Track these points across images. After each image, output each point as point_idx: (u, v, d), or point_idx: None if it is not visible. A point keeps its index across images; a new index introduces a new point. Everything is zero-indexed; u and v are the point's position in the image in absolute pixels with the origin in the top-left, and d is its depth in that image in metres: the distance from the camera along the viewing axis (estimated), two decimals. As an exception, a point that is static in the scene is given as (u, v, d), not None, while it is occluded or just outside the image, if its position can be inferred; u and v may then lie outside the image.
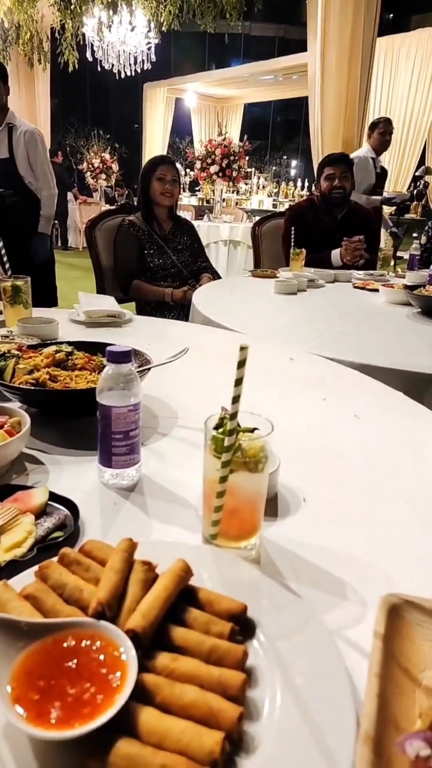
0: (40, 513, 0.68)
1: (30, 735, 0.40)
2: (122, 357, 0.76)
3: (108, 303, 1.81)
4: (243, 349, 0.58)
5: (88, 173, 10.16)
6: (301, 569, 0.65)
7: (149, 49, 6.46)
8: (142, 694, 0.43)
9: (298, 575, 0.63)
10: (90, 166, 10.06)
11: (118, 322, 1.72)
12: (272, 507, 0.76)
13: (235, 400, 0.59)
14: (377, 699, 0.45)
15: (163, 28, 6.34)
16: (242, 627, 0.52)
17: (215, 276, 2.99)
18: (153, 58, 6.38)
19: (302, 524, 0.74)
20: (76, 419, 0.98)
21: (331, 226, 3.20)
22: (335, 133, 4.92)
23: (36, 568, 0.55)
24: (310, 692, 0.46)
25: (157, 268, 2.83)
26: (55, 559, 0.56)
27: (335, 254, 3.15)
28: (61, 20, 5.88)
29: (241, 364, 0.58)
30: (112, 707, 0.40)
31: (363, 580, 0.64)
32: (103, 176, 10.09)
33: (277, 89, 10.19)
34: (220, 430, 0.63)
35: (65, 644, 0.45)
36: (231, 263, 6.89)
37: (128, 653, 0.44)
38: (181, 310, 2.74)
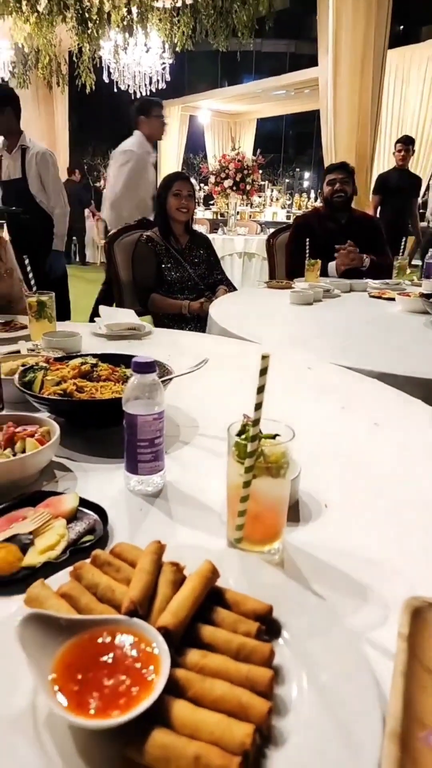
0: (71, 518, 0.70)
1: (71, 723, 0.42)
2: (147, 367, 0.79)
3: (128, 316, 1.86)
4: (265, 357, 0.60)
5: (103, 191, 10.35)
6: (324, 573, 0.66)
7: (164, 69, 6.62)
8: (174, 688, 0.45)
9: (321, 579, 0.65)
10: (107, 184, 10.26)
11: (138, 334, 1.76)
12: (294, 512, 0.78)
13: (258, 407, 0.62)
14: (402, 697, 0.46)
15: (177, 49, 6.49)
16: (268, 627, 0.54)
17: (231, 288, 3.03)
18: (167, 77, 6.53)
19: (324, 529, 0.75)
20: (102, 428, 1.01)
21: (336, 230, 3.26)
22: (348, 144, 4.96)
23: (70, 568, 0.57)
24: (337, 690, 0.48)
25: (174, 281, 2.88)
26: (87, 560, 0.58)
27: (331, 266, 3.19)
28: (78, 44, 6.05)
29: (263, 372, 0.61)
30: (147, 698, 0.42)
31: (385, 583, 0.65)
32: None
33: (289, 103, 10.32)
34: (243, 436, 0.65)
35: (101, 640, 0.47)
36: (246, 275, 6.94)
37: (161, 648, 0.46)
38: (197, 322, 2.78)
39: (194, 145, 12.79)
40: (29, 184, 3.48)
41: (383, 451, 1.01)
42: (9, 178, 3.64)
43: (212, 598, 0.55)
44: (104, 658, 0.45)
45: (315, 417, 1.15)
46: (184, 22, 6.07)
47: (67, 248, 10.34)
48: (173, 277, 2.87)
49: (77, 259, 10.35)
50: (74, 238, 10.24)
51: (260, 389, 0.61)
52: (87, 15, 5.58)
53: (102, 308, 1.91)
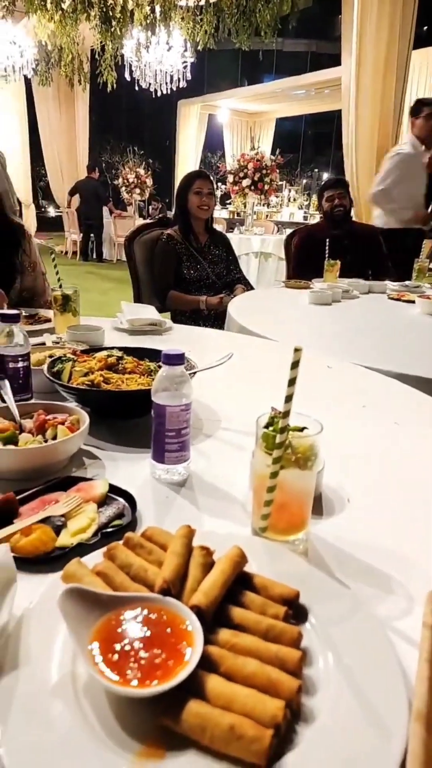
0: (101, 502, 0.72)
1: (110, 691, 0.44)
2: (177, 359, 0.81)
3: (149, 312, 1.88)
4: (297, 350, 0.62)
5: (123, 188, 10.43)
6: (348, 564, 0.67)
7: (185, 67, 6.64)
8: (207, 664, 0.47)
9: (345, 569, 0.66)
10: (125, 181, 10.33)
11: (158, 330, 1.79)
12: (318, 506, 0.79)
13: (288, 399, 0.63)
14: (428, 681, 0.48)
15: (199, 47, 6.51)
16: (294, 612, 0.56)
17: (248, 287, 3.04)
18: (188, 76, 6.55)
19: (347, 523, 0.76)
20: (127, 419, 1.04)
21: (339, 235, 3.28)
22: (369, 145, 4.94)
23: (104, 549, 0.59)
24: (363, 672, 0.49)
25: (193, 279, 2.90)
26: (120, 542, 0.60)
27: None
28: (101, 42, 6.10)
29: (295, 365, 0.62)
30: (183, 670, 0.44)
31: (407, 576, 0.66)
32: (138, 191, 10.34)
33: (309, 103, 10.28)
34: (272, 427, 0.67)
35: (137, 615, 0.49)
36: (262, 275, 6.94)
37: (194, 625, 0.48)
38: (215, 320, 2.79)
39: (212, 144, 12.79)
40: None
41: (404, 449, 1.02)
42: None
43: (240, 582, 0.57)
44: (140, 632, 0.47)
45: (336, 415, 1.16)
46: (207, 21, 6.09)
47: (84, 245, 10.43)
48: (191, 276, 2.89)
49: (94, 257, 10.42)
50: (92, 235, 10.31)
51: (291, 381, 0.63)
52: (111, 13, 5.63)
53: (123, 304, 1.94)
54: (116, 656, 0.45)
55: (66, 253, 10.41)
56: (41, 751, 0.40)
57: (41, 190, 11.68)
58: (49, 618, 0.51)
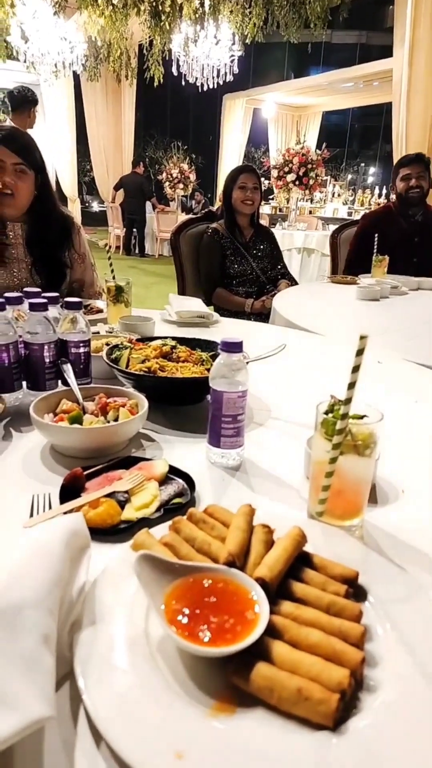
0: (162, 481, 0.76)
1: (186, 650, 0.47)
2: (235, 347, 0.83)
3: (197, 304, 1.91)
4: (363, 338, 0.63)
5: (167, 183, 10.51)
6: (403, 550, 0.68)
7: (232, 61, 6.63)
8: (272, 632, 0.49)
9: (401, 555, 0.67)
10: (168, 176, 10.42)
11: (206, 322, 1.81)
12: (372, 495, 0.79)
13: (351, 386, 0.64)
14: None
15: (247, 41, 6.49)
16: (354, 591, 0.57)
17: (293, 282, 3.03)
18: (236, 70, 6.54)
19: (402, 512, 0.77)
20: (180, 405, 1.07)
21: (408, 230, 3.16)
22: (420, 139, 4.81)
23: (169, 522, 0.62)
24: (424, 649, 0.50)
25: (237, 274, 2.91)
26: (184, 517, 0.63)
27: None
28: (150, 37, 6.17)
29: (360, 352, 0.63)
30: (252, 634, 0.46)
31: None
32: (181, 186, 10.41)
33: (357, 96, 10.08)
34: (332, 414, 0.68)
35: (205, 583, 0.52)
36: (304, 271, 6.89)
37: (259, 595, 0.50)
38: (258, 318, 2.81)
39: (256, 139, 12.70)
40: None
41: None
42: None
43: (300, 561, 0.59)
44: (209, 598, 0.50)
45: (388, 409, 1.16)
46: (256, 14, 6.06)
47: (126, 240, 10.57)
48: (236, 270, 2.90)
49: (137, 251, 10.57)
50: (134, 230, 10.45)
51: (355, 368, 0.64)
52: (160, 7, 5.67)
53: (171, 296, 1.98)
54: (186, 619, 0.48)
55: (109, 247, 10.60)
56: (122, 701, 0.43)
57: (86, 185, 11.91)
58: (121, 581, 0.55)
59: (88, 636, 0.49)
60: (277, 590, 0.54)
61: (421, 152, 3.39)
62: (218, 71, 6.87)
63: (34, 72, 6.96)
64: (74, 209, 9.66)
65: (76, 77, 8.51)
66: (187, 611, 0.49)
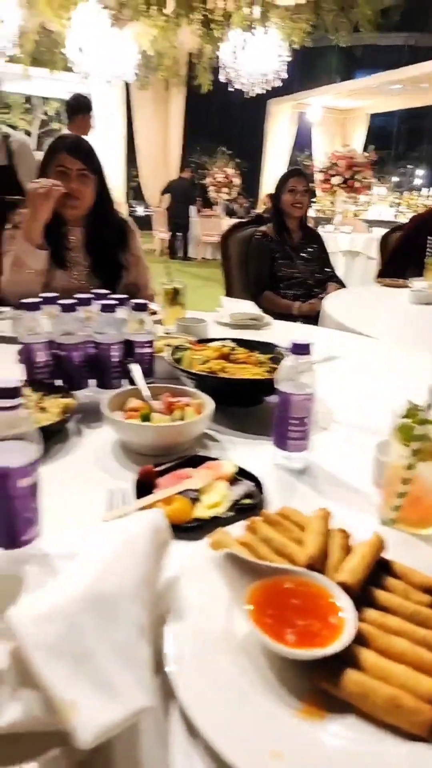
0: (230, 481, 0.76)
1: (276, 652, 0.46)
2: (304, 349, 0.83)
3: (249, 307, 1.91)
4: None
5: (211, 188, 10.60)
6: None
7: (280, 67, 6.62)
8: (358, 640, 0.48)
9: None
10: (213, 180, 10.50)
11: (258, 324, 1.81)
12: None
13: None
14: None
15: (295, 46, 6.47)
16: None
17: (341, 285, 2.99)
18: (285, 75, 6.52)
19: None
20: (240, 407, 1.07)
21: None
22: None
23: (244, 522, 0.62)
24: None
25: (285, 277, 2.90)
26: (259, 518, 0.63)
27: None
28: (200, 46, 6.25)
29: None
30: (340, 638, 0.45)
31: None
32: (225, 190, 10.47)
33: (405, 98, 9.89)
34: (411, 419, 0.67)
35: (286, 586, 0.52)
36: (349, 274, 6.77)
37: (343, 600, 0.49)
38: (304, 321, 2.78)
39: (300, 143, 12.63)
40: (18, 172, 3.57)
41: None
42: None
43: (379, 568, 0.58)
44: (293, 601, 0.50)
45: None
46: (305, 19, 6.04)
47: (171, 244, 10.69)
48: (284, 273, 2.89)
49: (180, 255, 10.68)
50: (179, 234, 10.57)
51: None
52: (210, 16, 5.74)
53: (224, 299, 1.99)
54: (272, 620, 0.48)
55: (154, 251, 10.75)
56: (215, 698, 0.43)
57: (132, 190, 12.15)
58: (201, 578, 0.55)
59: (175, 631, 0.49)
60: (359, 597, 0.53)
61: None
62: (265, 77, 6.87)
63: (87, 82, 7.16)
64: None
65: (126, 85, 8.71)
66: (272, 613, 0.49)
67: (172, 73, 7.51)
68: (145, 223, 11.73)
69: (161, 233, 10.66)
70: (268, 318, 1.87)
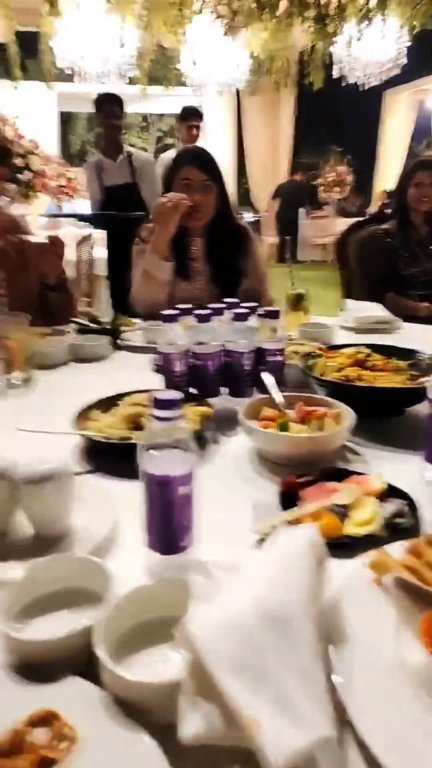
0: (380, 498, 0.72)
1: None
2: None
3: (376, 309, 1.83)
4: None
5: (321, 188, 10.39)
6: None
7: (399, 54, 6.28)
8: None
9: None
10: (324, 180, 10.29)
11: (388, 328, 1.73)
12: None
13: None
14: None
15: (416, 30, 6.10)
16: None
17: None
18: (405, 61, 6.16)
19: None
20: (380, 417, 1.02)
21: None
22: None
23: (405, 544, 0.59)
24: None
25: (410, 277, 2.74)
26: (421, 540, 0.59)
27: None
28: (313, 43, 6.15)
29: None
30: None
31: None
32: (337, 189, 10.20)
33: None
34: None
35: (462, 618, 0.47)
36: None
37: None
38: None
39: (419, 133, 11.90)
40: (141, 189, 3.69)
41: None
42: (115, 183, 3.78)
43: None
44: (473, 636, 0.45)
45: None
46: (428, 1, 5.67)
47: (280, 248, 10.65)
48: (411, 272, 2.73)
49: (288, 257, 10.59)
50: (287, 237, 10.48)
51: None
52: (325, 11, 5.62)
53: (348, 302, 1.92)
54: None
55: (289, 257, 10.80)
56: (395, 733, 0.41)
57: (241, 196, 12.32)
58: (362, 600, 0.52)
59: (342, 656, 0.47)
60: None
61: None
62: (383, 66, 6.56)
63: (199, 94, 7.39)
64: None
65: (237, 92, 8.85)
66: (448, 646, 0.45)
67: (282, 75, 7.46)
68: (254, 228, 11.83)
69: (270, 238, 10.67)
70: (398, 320, 1.78)
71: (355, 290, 3.06)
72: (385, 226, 2.86)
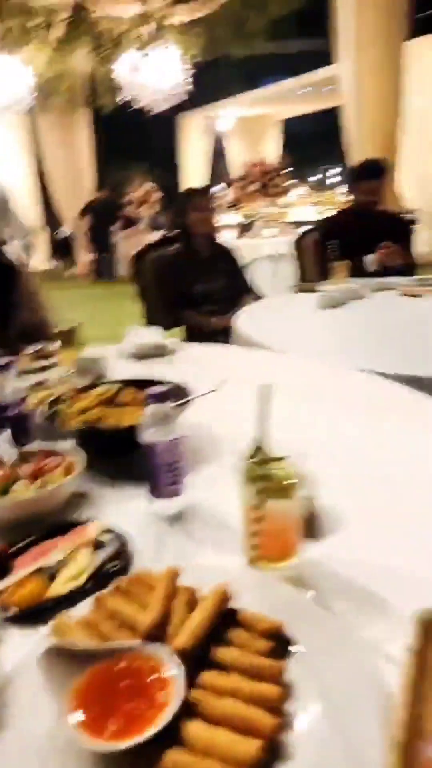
0: (97, 545, 0.74)
1: (89, 749, 0.45)
2: (161, 397, 0.83)
3: (153, 335, 1.90)
4: (265, 388, 0.63)
5: (131, 205, 10.58)
6: (342, 587, 0.67)
7: (183, 82, 6.69)
8: (188, 708, 0.48)
9: (338, 593, 0.66)
10: (132, 197, 10.51)
11: (163, 352, 1.81)
12: (312, 529, 0.79)
13: (260, 434, 0.64)
14: (409, 709, 0.48)
15: (196, 59, 6.57)
16: (280, 644, 0.56)
17: (257, 297, 3.05)
18: (191, 87, 6.58)
19: (343, 543, 0.76)
20: (125, 455, 1.03)
21: (368, 227, 3.17)
22: (372, 139, 4.90)
23: (95, 596, 0.61)
24: (346, 706, 0.49)
25: (200, 294, 2.92)
26: (110, 588, 0.62)
27: (368, 259, 3.09)
28: (92, 69, 6.24)
29: (265, 401, 0.63)
30: (158, 722, 0.45)
31: (405, 596, 0.65)
32: (146, 206, 10.49)
33: (314, 101, 10.26)
34: (252, 460, 0.68)
35: (119, 666, 0.51)
36: (276, 279, 6.90)
37: (175, 671, 0.49)
38: (224, 338, 2.81)
39: (219, 151, 12.85)
40: None
41: (407, 461, 1.00)
42: None
43: (227, 618, 0.58)
44: (121, 684, 0.49)
45: (341, 427, 1.16)
46: (196, 33, 6.16)
47: (97, 265, 10.54)
48: (198, 291, 2.92)
49: (107, 275, 10.55)
50: (104, 255, 10.43)
51: (262, 417, 0.64)
52: (97, 41, 5.75)
53: (130, 328, 1.97)
54: (95, 711, 0.47)
55: (77, 274, 10.60)
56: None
57: (52, 214, 11.95)
58: (35, 676, 0.53)
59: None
60: (199, 657, 0.53)
61: (375, 160, 3.39)
62: (168, 93, 6.92)
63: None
64: (40, 240, 9.72)
65: (31, 109, 8.56)
66: (97, 702, 0.48)
67: (70, 96, 7.45)
68: (69, 245, 11.54)
69: (85, 255, 10.53)
70: (172, 344, 1.87)
71: (152, 308, 3.16)
72: (172, 248, 3.01)
